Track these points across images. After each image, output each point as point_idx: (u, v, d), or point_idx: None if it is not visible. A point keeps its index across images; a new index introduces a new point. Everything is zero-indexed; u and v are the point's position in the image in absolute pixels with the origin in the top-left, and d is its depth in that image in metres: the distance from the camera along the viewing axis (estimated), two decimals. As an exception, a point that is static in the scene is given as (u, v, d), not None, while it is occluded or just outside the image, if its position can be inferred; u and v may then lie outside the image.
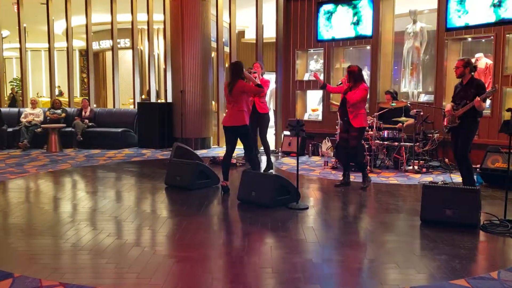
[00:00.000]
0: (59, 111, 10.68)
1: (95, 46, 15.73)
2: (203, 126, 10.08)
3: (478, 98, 5.16)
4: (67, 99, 13.06)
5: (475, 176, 5.68)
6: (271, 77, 9.06)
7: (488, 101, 6.86)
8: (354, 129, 5.82)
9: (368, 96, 6.46)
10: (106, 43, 15.97)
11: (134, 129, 10.66)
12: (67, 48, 12.38)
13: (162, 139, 10.22)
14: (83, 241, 3.89)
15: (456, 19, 7.46)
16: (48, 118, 10.50)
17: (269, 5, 10.15)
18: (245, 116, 5.55)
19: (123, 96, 14.04)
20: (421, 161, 7.17)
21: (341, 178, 6.22)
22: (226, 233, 4.38)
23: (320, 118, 9.35)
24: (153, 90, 12.05)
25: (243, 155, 8.36)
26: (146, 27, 11.90)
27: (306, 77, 9.58)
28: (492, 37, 7.14)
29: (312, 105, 9.78)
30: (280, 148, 9.39)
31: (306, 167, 7.76)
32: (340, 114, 6.12)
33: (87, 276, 3.18)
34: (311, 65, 9.68)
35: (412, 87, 8.56)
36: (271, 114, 7.78)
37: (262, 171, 6.66)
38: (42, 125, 10.12)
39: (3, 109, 11.06)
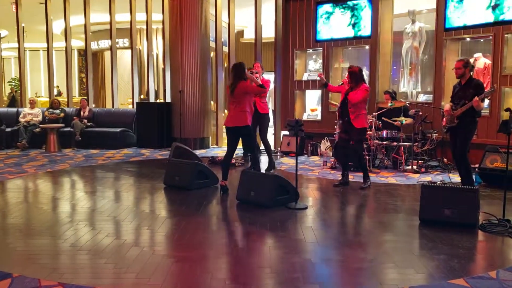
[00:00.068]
0: (57, 111, 10.66)
1: (93, 46, 15.70)
2: (202, 126, 10.08)
3: (476, 98, 5.17)
4: (65, 99, 13.05)
5: (473, 176, 5.68)
6: (270, 77, 9.05)
7: (486, 101, 6.86)
8: (356, 130, 5.82)
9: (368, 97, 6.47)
10: (105, 43, 15.96)
11: (132, 129, 10.65)
12: (66, 48, 12.37)
13: (161, 139, 10.22)
14: (82, 241, 3.89)
15: (455, 19, 7.47)
16: (46, 118, 10.49)
17: (268, 5, 10.15)
18: (247, 116, 5.56)
19: (122, 96, 14.02)
20: (420, 161, 7.18)
21: (340, 178, 6.22)
22: (225, 233, 4.38)
23: (319, 118, 9.35)
24: (151, 90, 12.05)
25: (242, 155, 8.36)
26: (144, 27, 11.90)
27: (305, 77, 9.58)
28: (490, 37, 7.15)
29: (311, 105, 9.78)
30: (279, 148, 9.39)
31: (305, 167, 7.77)
32: (340, 114, 6.11)
33: (86, 276, 3.17)
34: (310, 65, 9.68)
35: (411, 87, 8.57)
36: (270, 114, 7.79)
37: (263, 171, 6.66)
38: (40, 125, 10.11)
39: (1, 109, 11.06)
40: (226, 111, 12.19)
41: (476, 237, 4.06)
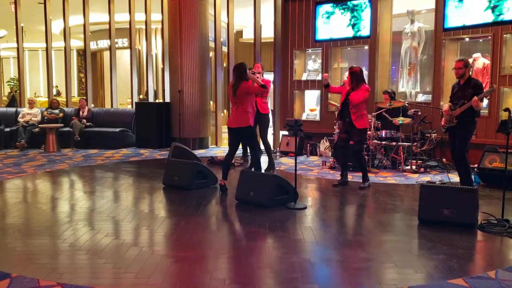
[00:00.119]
0: (56, 111, 10.66)
1: (93, 45, 15.68)
2: (201, 126, 10.07)
3: (476, 98, 5.17)
4: (64, 99, 13.04)
5: (472, 176, 5.69)
6: (269, 77, 9.06)
7: (485, 101, 6.88)
8: (357, 130, 5.82)
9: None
10: (104, 43, 15.95)
11: (132, 129, 10.64)
12: (65, 47, 12.35)
13: (160, 139, 10.21)
14: (81, 241, 3.88)
15: (454, 19, 7.47)
16: (45, 118, 10.48)
17: (267, 5, 10.15)
18: (249, 117, 5.56)
19: (121, 96, 14.02)
20: (419, 161, 7.18)
21: (339, 178, 6.22)
22: (224, 233, 4.38)
23: (318, 118, 9.36)
24: (151, 90, 12.04)
25: (241, 155, 8.36)
26: (144, 26, 11.89)
27: (304, 77, 9.58)
28: (489, 37, 7.16)
29: (310, 105, 9.79)
30: (278, 148, 9.40)
31: (304, 167, 7.77)
32: (340, 115, 6.09)
33: (85, 276, 3.17)
34: (309, 65, 9.68)
35: (410, 87, 8.57)
36: (269, 114, 7.80)
37: (263, 171, 6.66)
38: (39, 125, 10.10)
39: (0, 109, 11.02)
40: (225, 111, 12.20)
41: (475, 237, 4.07)
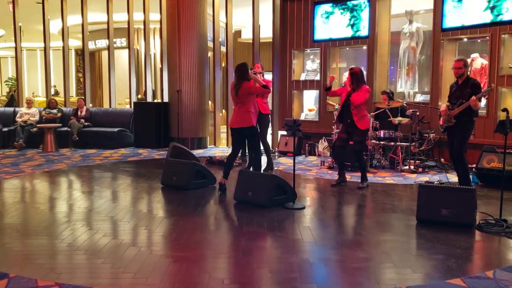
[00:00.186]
0: (54, 110, 10.64)
1: (91, 45, 15.66)
2: (199, 126, 10.07)
3: (474, 97, 5.18)
4: (63, 99, 13.01)
5: (470, 176, 5.70)
6: (267, 77, 9.06)
7: (483, 101, 6.89)
8: (359, 131, 5.82)
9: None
10: (102, 43, 15.93)
11: (130, 129, 10.63)
12: (63, 47, 12.33)
13: (158, 139, 10.21)
14: (79, 241, 3.88)
15: (452, 19, 7.48)
16: (43, 117, 10.47)
17: (265, 5, 10.15)
18: (252, 117, 5.57)
19: (119, 96, 14.00)
20: (417, 161, 7.19)
21: (337, 178, 6.22)
22: (223, 233, 4.38)
23: (316, 118, 9.36)
24: (149, 90, 12.03)
25: (240, 155, 8.35)
26: (142, 26, 11.87)
27: (303, 77, 9.58)
28: (487, 37, 7.17)
29: (309, 105, 9.79)
30: (276, 148, 9.40)
31: (303, 167, 7.77)
32: (340, 117, 6.08)
33: (83, 276, 3.17)
34: (308, 65, 9.69)
35: (408, 87, 8.58)
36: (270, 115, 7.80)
37: (262, 171, 6.66)
38: (37, 125, 10.09)
39: (-2, 109, 11.01)
40: (223, 111, 12.19)
41: (473, 237, 4.07)
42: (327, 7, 8.95)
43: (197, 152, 9.03)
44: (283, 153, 9.07)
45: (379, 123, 7.44)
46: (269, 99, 10.39)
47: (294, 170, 5.31)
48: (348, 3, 8.68)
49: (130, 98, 12.00)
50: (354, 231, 4.49)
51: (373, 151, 7.50)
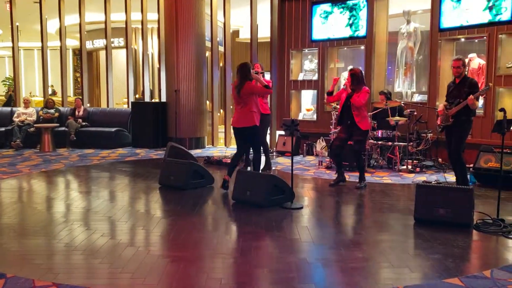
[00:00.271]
0: (52, 110, 10.61)
1: (88, 45, 15.65)
2: (197, 126, 10.06)
3: (471, 96, 5.19)
4: (60, 99, 12.99)
5: (468, 176, 5.71)
6: (266, 77, 9.07)
7: (481, 101, 6.90)
8: (361, 132, 5.83)
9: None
10: (100, 42, 15.90)
11: (128, 129, 10.62)
12: (61, 47, 12.32)
13: (156, 139, 10.19)
14: (76, 241, 3.87)
15: (450, 19, 7.50)
16: (41, 117, 10.44)
17: (263, 4, 10.16)
18: (254, 116, 5.58)
19: (117, 96, 13.98)
20: (414, 161, 7.20)
21: (335, 177, 6.22)
22: (221, 233, 4.37)
23: (314, 117, 9.37)
24: (147, 90, 12.02)
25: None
26: (140, 26, 11.86)
27: (301, 77, 9.59)
28: (485, 37, 7.19)
29: (307, 105, 9.80)
30: (274, 148, 9.40)
31: (301, 166, 7.77)
32: (340, 119, 6.07)
33: (81, 277, 3.16)
34: (306, 65, 9.69)
35: (406, 87, 8.60)
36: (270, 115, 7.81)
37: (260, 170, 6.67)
38: (35, 125, 10.06)
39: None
40: (221, 110, 12.19)
41: (470, 237, 4.08)
42: (325, 6, 8.96)
43: (195, 152, 9.03)
44: (281, 153, 9.08)
45: (376, 123, 7.45)
46: (268, 99, 10.44)
47: (292, 170, 5.31)
48: (348, 2, 8.68)
49: (127, 98, 11.99)
50: (352, 231, 4.49)
51: (371, 150, 7.51)
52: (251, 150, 6.09)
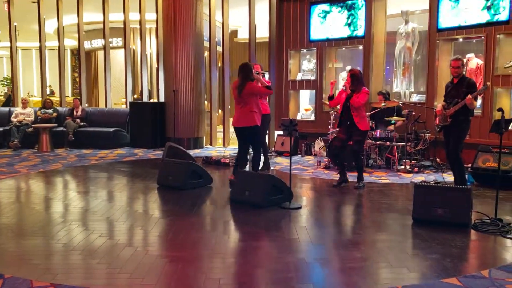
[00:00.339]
0: (50, 110, 10.60)
1: (87, 45, 15.62)
2: (195, 126, 10.06)
3: (469, 96, 5.20)
4: (58, 99, 12.98)
5: (466, 176, 5.72)
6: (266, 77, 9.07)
7: (479, 101, 6.92)
8: (360, 132, 5.82)
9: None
10: (98, 42, 15.88)
11: (126, 129, 10.61)
12: (59, 47, 12.30)
13: (154, 139, 10.19)
14: (74, 241, 3.86)
15: (448, 19, 7.51)
16: (39, 117, 10.43)
17: (261, 5, 10.16)
18: (255, 116, 5.59)
19: (115, 96, 13.96)
20: (413, 161, 7.21)
21: (338, 178, 6.18)
22: (219, 233, 4.37)
23: (312, 117, 9.37)
24: (145, 90, 12.01)
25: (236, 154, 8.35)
26: (138, 26, 11.86)
27: (299, 77, 9.60)
28: (483, 37, 7.20)
29: (305, 105, 9.80)
30: (273, 148, 9.40)
31: (299, 166, 7.78)
32: (340, 121, 6.06)
33: (79, 277, 3.15)
34: (304, 65, 9.70)
35: (404, 87, 8.61)
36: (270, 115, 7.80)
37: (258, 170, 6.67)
38: (33, 125, 10.05)
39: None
40: (220, 110, 12.19)
41: (468, 237, 4.09)
42: (323, 6, 8.96)
43: (193, 152, 9.02)
44: (280, 153, 9.08)
45: (375, 122, 7.46)
46: (266, 99, 10.43)
47: (290, 170, 5.31)
48: (347, 1, 8.67)
49: (126, 98, 11.97)
50: (350, 231, 4.50)
51: (369, 150, 7.51)
52: (251, 150, 6.08)
